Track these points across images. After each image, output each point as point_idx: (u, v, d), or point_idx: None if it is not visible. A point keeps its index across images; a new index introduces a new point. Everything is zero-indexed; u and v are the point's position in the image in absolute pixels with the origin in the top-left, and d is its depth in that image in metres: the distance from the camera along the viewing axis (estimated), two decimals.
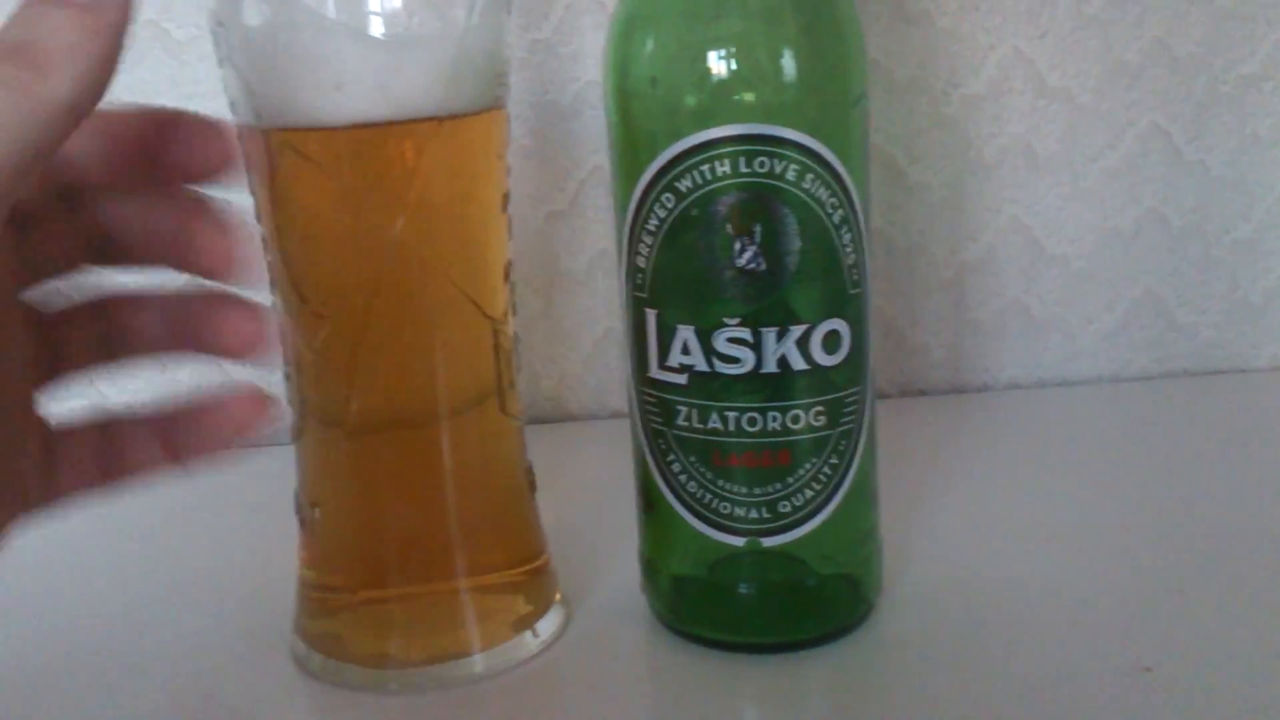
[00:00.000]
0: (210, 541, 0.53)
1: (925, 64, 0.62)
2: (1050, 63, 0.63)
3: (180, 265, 0.31)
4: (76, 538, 0.48)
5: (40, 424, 0.30)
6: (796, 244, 0.37)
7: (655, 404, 0.40)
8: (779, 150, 0.36)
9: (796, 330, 0.37)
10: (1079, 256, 0.65)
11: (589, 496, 0.54)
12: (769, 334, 0.37)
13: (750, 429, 0.38)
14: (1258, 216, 0.65)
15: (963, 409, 0.64)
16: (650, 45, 0.38)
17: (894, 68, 0.62)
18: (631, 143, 0.38)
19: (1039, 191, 0.64)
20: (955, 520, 0.50)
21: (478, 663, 0.40)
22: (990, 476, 0.55)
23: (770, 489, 0.39)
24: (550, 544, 0.45)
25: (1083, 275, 0.66)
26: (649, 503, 0.42)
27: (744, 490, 0.39)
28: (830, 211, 0.37)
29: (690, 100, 0.37)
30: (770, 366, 0.38)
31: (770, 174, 0.36)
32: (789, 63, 0.36)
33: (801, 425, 0.38)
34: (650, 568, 0.43)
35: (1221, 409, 0.63)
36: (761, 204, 0.36)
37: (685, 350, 0.38)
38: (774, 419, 0.38)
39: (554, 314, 0.65)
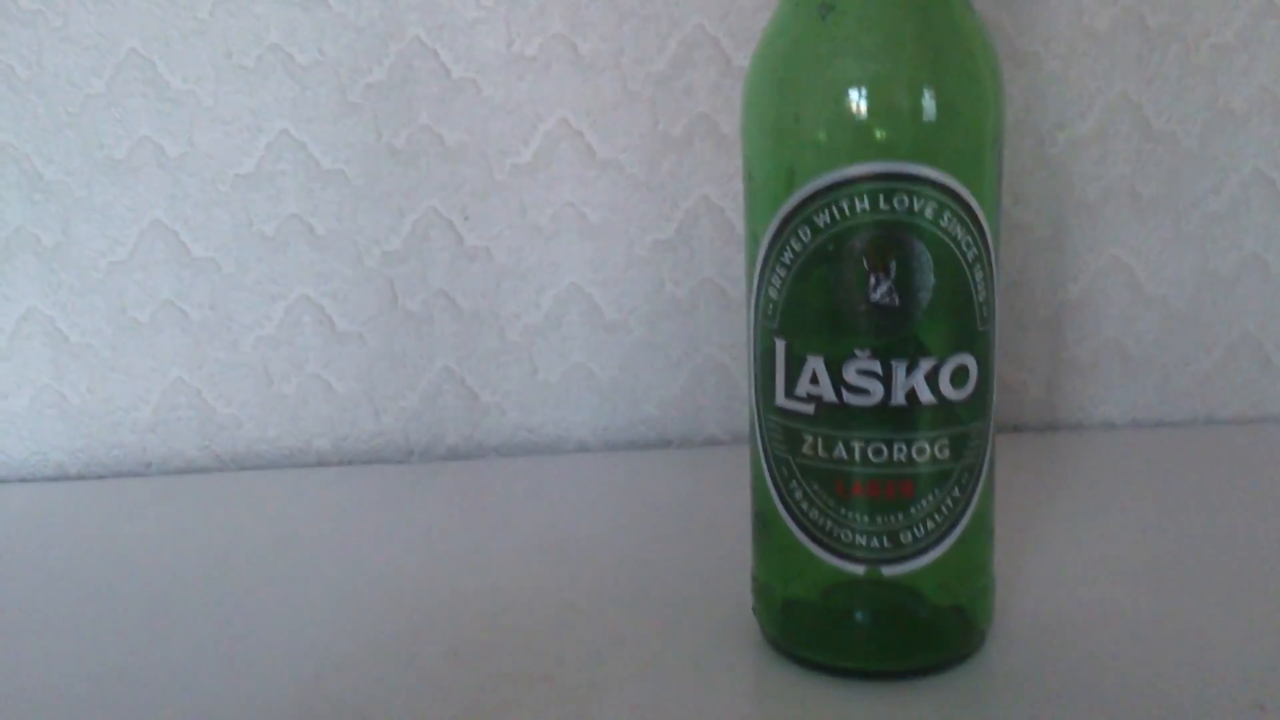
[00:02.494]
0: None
1: (1032, 106, 0.63)
2: (1156, 108, 0.63)
3: None
4: None
5: None
6: (930, 280, 0.38)
7: (780, 432, 0.40)
8: (917, 188, 0.37)
9: (926, 364, 0.38)
10: (1178, 298, 0.66)
11: (691, 520, 0.55)
12: (899, 367, 0.38)
13: (875, 459, 0.39)
14: None
15: (1059, 446, 0.65)
16: (795, 83, 0.39)
17: None
18: (769, 177, 0.39)
19: (1140, 233, 0.65)
20: (1059, 555, 0.51)
21: None
22: (1090, 513, 0.55)
23: (892, 519, 0.39)
24: (655, 566, 0.45)
25: (1181, 317, 0.66)
26: (766, 528, 0.42)
27: (866, 519, 0.39)
28: (965, 249, 0.38)
29: (831, 137, 0.38)
30: (898, 399, 0.38)
31: (908, 211, 0.37)
32: (929, 102, 0.37)
33: (926, 457, 0.39)
34: (763, 591, 0.44)
35: None
36: (897, 240, 0.37)
37: (814, 380, 0.39)
38: (899, 450, 0.39)
39: (657, 341, 0.66)
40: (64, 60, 0.62)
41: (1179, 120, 0.63)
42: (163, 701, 0.42)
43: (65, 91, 0.62)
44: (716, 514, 0.55)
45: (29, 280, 0.64)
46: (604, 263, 0.65)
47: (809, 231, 0.38)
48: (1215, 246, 0.65)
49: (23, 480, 0.66)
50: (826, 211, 0.37)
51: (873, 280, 0.37)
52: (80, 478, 0.67)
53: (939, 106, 0.37)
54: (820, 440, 0.39)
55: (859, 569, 0.40)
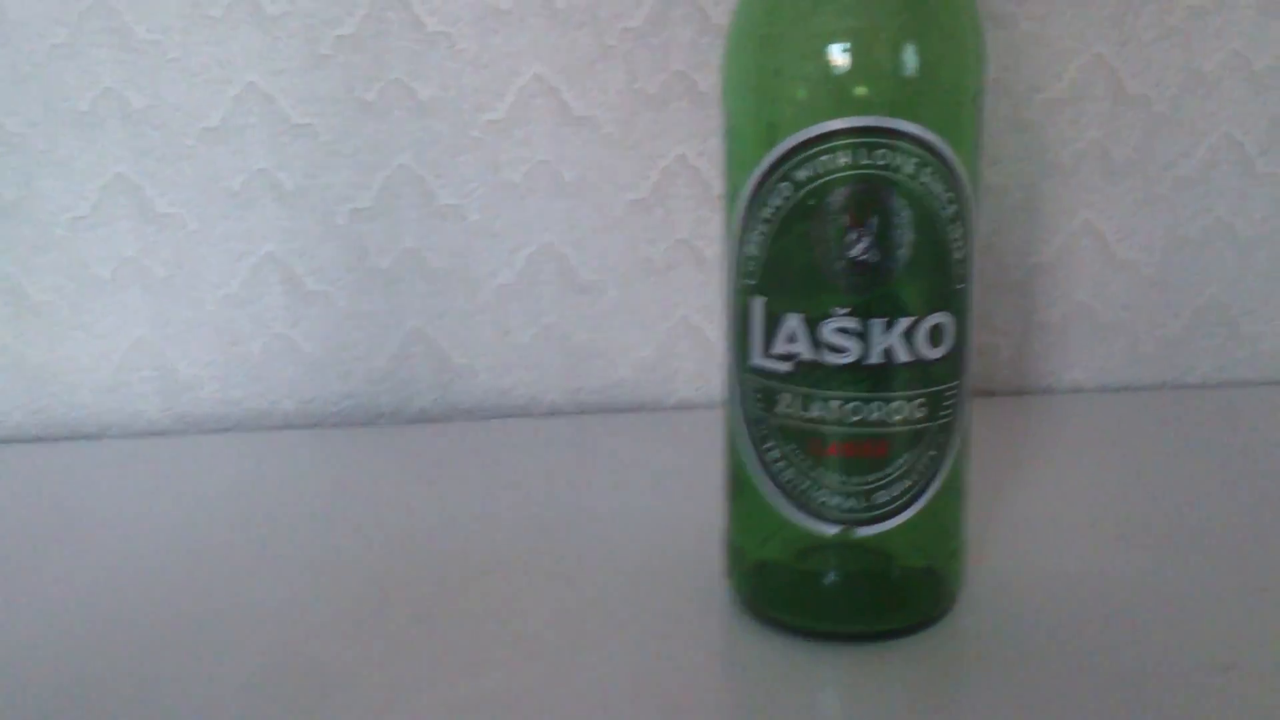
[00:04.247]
0: None
1: (1008, 66, 0.63)
2: (1130, 70, 0.63)
3: None
4: None
5: None
6: (910, 236, 0.37)
7: (756, 391, 0.40)
8: (898, 143, 0.37)
9: (904, 322, 0.38)
10: (1148, 263, 0.66)
11: (665, 483, 0.55)
12: (876, 325, 0.38)
13: (851, 418, 0.39)
14: None
15: (1029, 409, 0.65)
16: (775, 37, 0.38)
17: None
18: (749, 132, 0.39)
19: (1112, 197, 0.65)
20: (1029, 518, 0.51)
21: None
22: (1059, 477, 0.55)
23: (867, 479, 0.39)
24: (627, 529, 0.45)
25: (1150, 282, 0.66)
26: (740, 488, 0.42)
27: (841, 479, 0.39)
28: (944, 206, 0.38)
29: (812, 92, 0.37)
30: (875, 357, 0.38)
31: (888, 166, 0.37)
32: (911, 57, 0.37)
33: (902, 417, 0.39)
34: (736, 553, 0.43)
35: None
36: (877, 196, 0.37)
37: (792, 338, 0.39)
38: (876, 409, 0.39)
39: (631, 302, 0.65)
40: (26, 9, 0.60)
41: (1152, 84, 0.63)
42: (126, 667, 0.41)
43: (28, 42, 0.61)
44: (690, 477, 0.54)
45: None
46: (578, 222, 0.64)
47: (789, 187, 0.38)
48: (1185, 211, 0.65)
49: None
50: (806, 166, 0.37)
51: (852, 236, 0.37)
52: (39, 439, 0.66)
53: (920, 61, 0.37)
54: (797, 399, 0.39)
55: (832, 529, 0.40)
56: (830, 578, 0.41)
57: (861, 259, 0.37)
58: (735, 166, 0.40)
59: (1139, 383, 0.67)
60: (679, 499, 0.53)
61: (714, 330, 0.65)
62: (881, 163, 0.37)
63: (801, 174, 0.37)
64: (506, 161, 0.63)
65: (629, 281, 0.65)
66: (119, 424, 0.66)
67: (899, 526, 0.40)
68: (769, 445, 0.40)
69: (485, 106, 0.63)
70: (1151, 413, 0.65)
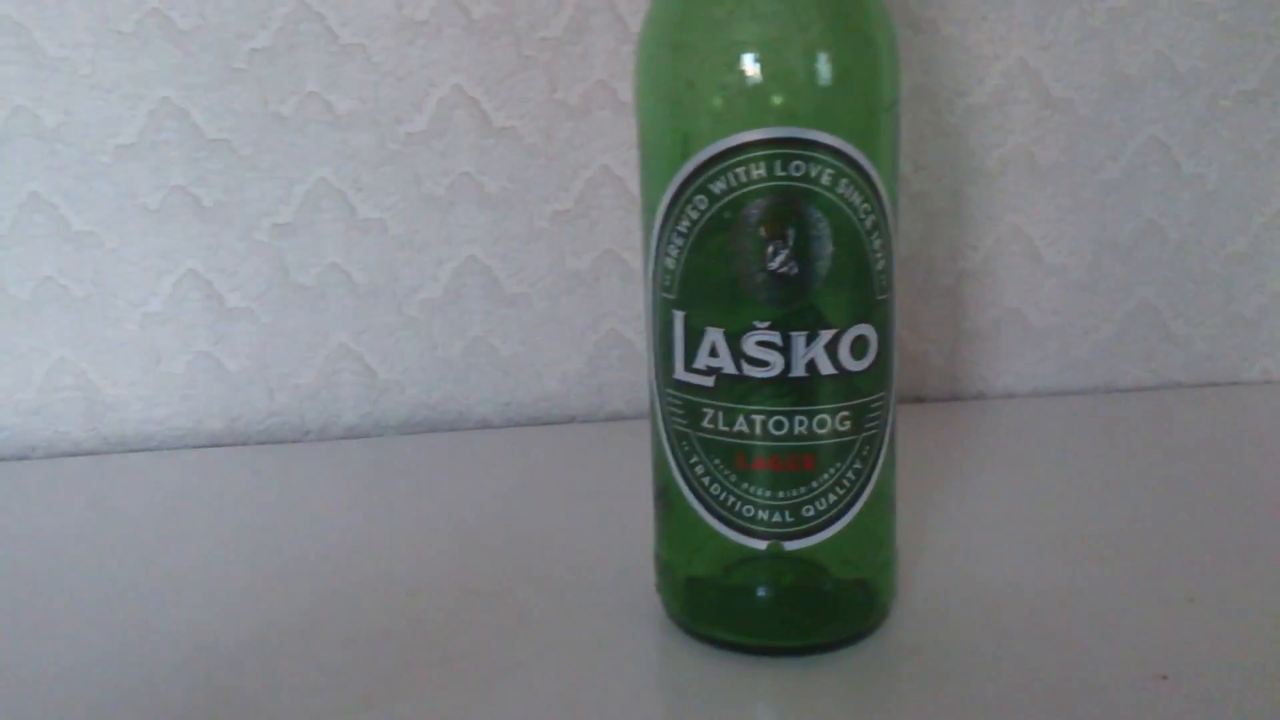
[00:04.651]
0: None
1: (930, 72, 0.62)
2: (1054, 74, 0.63)
3: None
4: None
5: None
6: (829, 248, 0.37)
7: (680, 406, 0.40)
8: (814, 154, 0.36)
9: (825, 335, 0.38)
10: (1077, 267, 0.66)
11: (597, 497, 0.55)
12: (798, 338, 0.37)
13: (776, 432, 0.38)
14: (1253, 231, 0.66)
15: (960, 416, 0.65)
16: (687, 48, 0.38)
17: None
18: (664, 144, 0.39)
19: (1039, 202, 0.65)
20: (961, 527, 0.51)
21: None
22: (992, 484, 0.55)
23: (794, 493, 0.39)
24: (559, 545, 0.44)
25: (1080, 286, 0.66)
26: (668, 504, 0.42)
27: (768, 493, 0.39)
28: (863, 217, 0.37)
29: (726, 103, 0.37)
30: (798, 370, 0.38)
31: (805, 178, 0.36)
32: (824, 67, 0.37)
33: (827, 430, 0.38)
34: (666, 569, 0.43)
35: (1215, 421, 0.63)
36: (795, 208, 0.37)
37: (713, 353, 0.38)
38: (800, 423, 0.38)
39: (559, 314, 0.65)
40: None
41: (1076, 86, 0.63)
42: (44, 693, 0.40)
43: None
44: (621, 491, 0.54)
45: None
46: (503, 234, 0.63)
47: (705, 200, 0.37)
48: (1113, 214, 0.65)
49: None
50: (722, 178, 0.37)
51: (770, 249, 0.37)
52: None
53: (834, 71, 0.37)
54: (721, 414, 0.39)
55: (761, 544, 0.40)
56: (761, 592, 0.41)
57: (781, 271, 0.37)
58: (651, 179, 0.39)
59: (1071, 387, 0.68)
60: (611, 513, 0.52)
61: (643, 341, 0.65)
62: (798, 174, 0.36)
63: (717, 186, 0.37)
64: (428, 174, 0.62)
65: (556, 293, 0.64)
66: (43, 444, 0.64)
67: (829, 539, 0.40)
68: (695, 460, 0.40)
69: (404, 118, 0.62)
70: (1084, 418, 0.65)
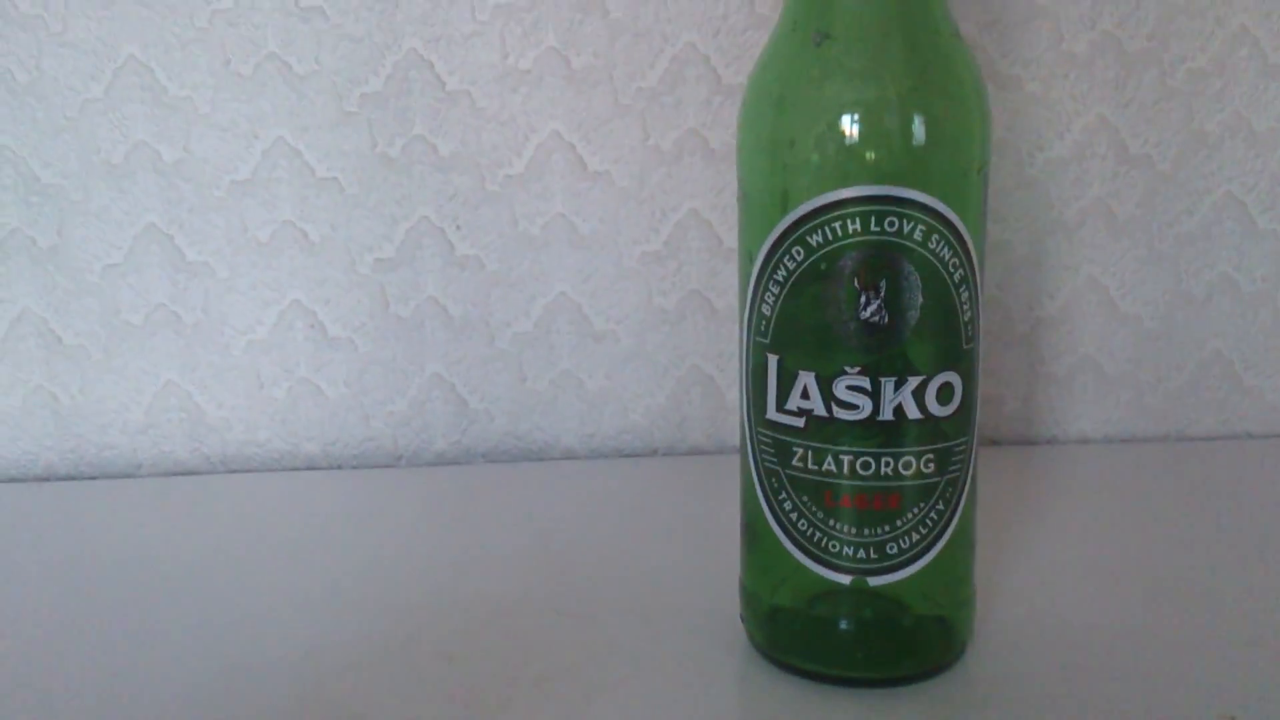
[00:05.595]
0: None
1: (1013, 127, 0.64)
2: (1133, 131, 0.65)
3: None
4: None
5: None
6: (918, 300, 0.39)
7: (770, 444, 0.42)
8: (907, 211, 0.38)
9: (913, 381, 0.39)
10: (1151, 317, 0.67)
11: (679, 528, 0.57)
12: (887, 383, 0.39)
13: (863, 473, 0.40)
14: None
15: (1034, 460, 0.66)
16: (789, 107, 0.40)
17: None
18: (764, 197, 0.41)
19: (1116, 253, 0.66)
20: (1037, 566, 0.52)
21: None
22: (1065, 526, 0.56)
23: (879, 531, 0.41)
24: (643, 572, 0.45)
25: (1154, 335, 0.68)
26: (755, 537, 0.44)
27: (853, 530, 0.41)
28: (952, 270, 0.39)
29: (824, 160, 0.39)
30: (886, 414, 0.40)
31: (898, 233, 0.38)
32: (919, 128, 0.39)
33: (912, 471, 0.40)
34: (751, 598, 0.45)
35: None
36: (887, 261, 0.39)
37: (805, 395, 0.40)
38: (886, 464, 0.40)
39: (644, 351, 0.67)
40: (63, 65, 0.63)
41: (1154, 143, 0.65)
42: (155, 705, 0.43)
43: (63, 96, 0.63)
44: (703, 521, 0.56)
45: (24, 282, 0.65)
46: (593, 273, 0.66)
47: (802, 251, 0.39)
48: (1188, 267, 0.67)
49: (13, 480, 0.67)
50: (819, 232, 0.39)
51: (863, 299, 0.39)
52: (70, 478, 0.67)
53: (928, 132, 0.39)
54: (810, 453, 0.41)
55: (845, 579, 0.41)
56: (843, 625, 0.42)
57: (872, 321, 0.39)
58: (750, 229, 0.41)
59: (1144, 434, 0.69)
60: (692, 543, 0.54)
61: (725, 378, 0.67)
62: (892, 229, 0.38)
63: (814, 239, 0.39)
64: (524, 214, 0.65)
65: (642, 330, 0.67)
66: (148, 464, 0.67)
67: (911, 576, 0.41)
68: (783, 496, 0.42)
69: (504, 161, 0.64)
70: (1156, 464, 0.66)
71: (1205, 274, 0.67)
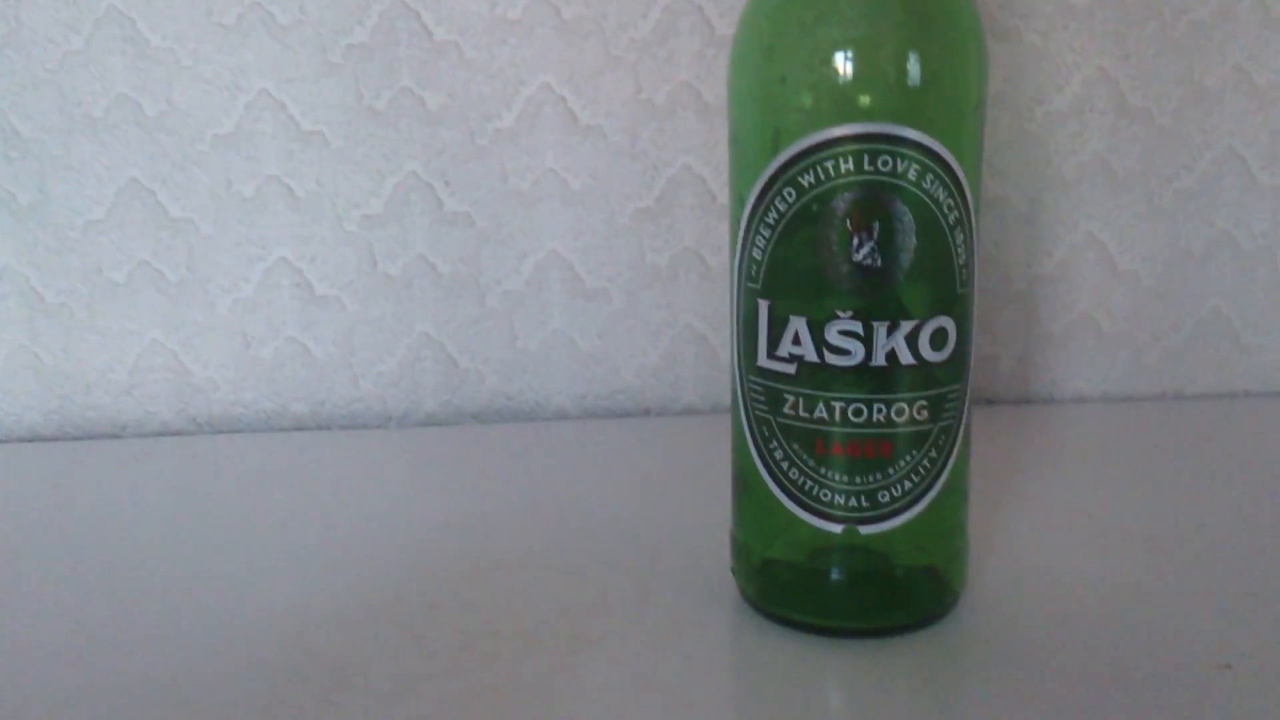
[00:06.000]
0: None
1: (1011, 79, 0.63)
2: (1133, 84, 0.64)
3: None
4: None
5: None
6: (912, 242, 0.38)
7: (761, 392, 0.41)
8: (901, 150, 0.37)
9: (906, 326, 0.39)
10: (1150, 275, 0.66)
11: (670, 485, 0.56)
12: (880, 328, 0.39)
13: (855, 419, 0.39)
14: None
15: (1031, 418, 0.66)
16: (780, 46, 0.39)
17: None
18: (755, 138, 0.40)
19: (1114, 209, 0.65)
20: (1032, 522, 0.51)
21: None
22: (1061, 483, 0.56)
23: (870, 478, 0.40)
24: (634, 529, 0.45)
25: (1152, 293, 0.67)
26: (746, 488, 0.43)
27: (845, 479, 0.40)
28: (946, 212, 0.38)
29: (817, 99, 0.38)
30: (879, 360, 0.39)
31: (891, 173, 0.37)
32: (914, 66, 0.38)
33: (904, 418, 0.40)
34: (742, 551, 0.44)
35: None
36: (881, 201, 0.38)
37: (796, 340, 0.39)
38: (878, 411, 0.39)
39: (637, 309, 0.66)
40: (42, 16, 0.61)
41: (1154, 97, 0.64)
42: (141, 663, 0.42)
43: (43, 48, 0.62)
44: (694, 479, 0.55)
45: (4, 239, 0.64)
46: (585, 230, 0.65)
47: (793, 192, 0.38)
48: (1187, 223, 0.66)
49: None
50: (811, 172, 0.38)
51: (856, 241, 0.38)
52: (54, 439, 0.66)
53: (923, 70, 0.38)
54: (801, 400, 0.40)
55: (837, 528, 0.41)
56: (835, 575, 0.42)
57: (865, 263, 0.38)
58: (741, 172, 0.41)
59: (1141, 393, 0.68)
60: (684, 500, 0.53)
61: (718, 337, 0.66)
62: (885, 169, 0.37)
63: (806, 180, 0.38)
64: (514, 169, 0.64)
65: (634, 288, 0.66)
66: (133, 425, 0.67)
67: (902, 525, 0.41)
68: (774, 445, 0.41)
69: (493, 115, 0.63)
70: (1153, 422, 0.65)
71: (1204, 231, 0.66)
